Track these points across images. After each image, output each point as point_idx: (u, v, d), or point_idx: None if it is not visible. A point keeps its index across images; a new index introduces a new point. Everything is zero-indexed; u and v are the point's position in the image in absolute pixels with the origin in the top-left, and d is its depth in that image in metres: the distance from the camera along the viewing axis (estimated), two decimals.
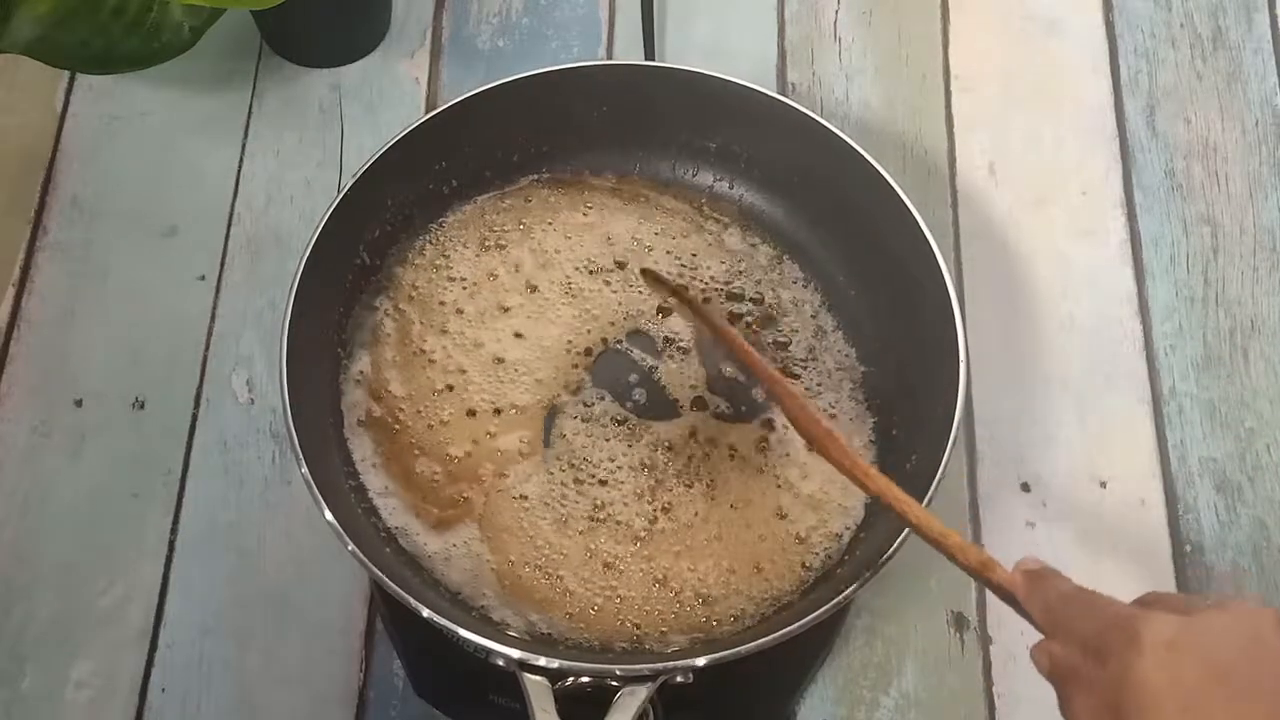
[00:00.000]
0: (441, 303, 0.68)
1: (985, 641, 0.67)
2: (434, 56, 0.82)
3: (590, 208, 0.71)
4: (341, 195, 0.64)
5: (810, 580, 0.61)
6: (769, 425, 0.65)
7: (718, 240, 0.71)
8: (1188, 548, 0.69)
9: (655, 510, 0.62)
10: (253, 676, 0.65)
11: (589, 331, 0.67)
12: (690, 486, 0.63)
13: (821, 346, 0.67)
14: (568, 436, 0.64)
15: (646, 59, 0.78)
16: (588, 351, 0.67)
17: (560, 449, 0.64)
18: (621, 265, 0.69)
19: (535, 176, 0.72)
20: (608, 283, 0.69)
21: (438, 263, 0.69)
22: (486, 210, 0.70)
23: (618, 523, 0.62)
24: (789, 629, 0.55)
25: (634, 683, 0.54)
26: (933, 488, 0.57)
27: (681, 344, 0.67)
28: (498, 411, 0.65)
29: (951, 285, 0.62)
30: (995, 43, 0.84)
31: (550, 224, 0.70)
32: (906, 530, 0.56)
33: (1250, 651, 0.41)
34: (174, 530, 0.68)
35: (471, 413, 0.64)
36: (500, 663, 0.54)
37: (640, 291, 0.68)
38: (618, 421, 0.65)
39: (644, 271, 0.67)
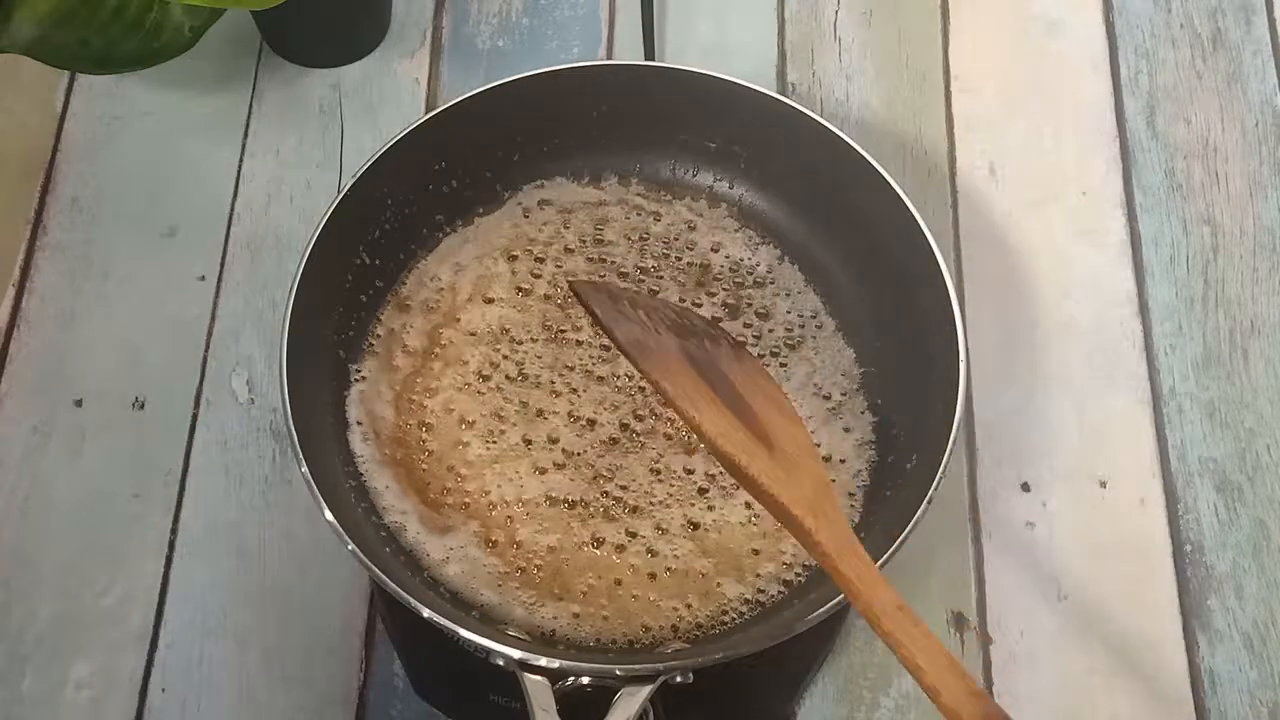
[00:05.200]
0: (442, 304, 0.68)
1: (985, 641, 0.67)
2: (434, 56, 0.82)
3: (591, 210, 0.71)
4: (341, 195, 0.64)
5: (808, 580, 0.61)
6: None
7: None
8: (1188, 548, 0.69)
9: (656, 511, 0.62)
10: (253, 676, 0.65)
11: (592, 334, 0.67)
12: (691, 487, 0.63)
13: (821, 347, 0.67)
14: (569, 438, 0.64)
15: (646, 59, 0.78)
16: (590, 353, 0.67)
17: (561, 450, 0.64)
18: (623, 269, 0.69)
19: (535, 178, 0.71)
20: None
21: (438, 264, 0.69)
22: (487, 212, 0.70)
23: (618, 524, 0.62)
24: (789, 629, 0.55)
25: (634, 683, 0.54)
26: (933, 488, 0.57)
27: None
28: (499, 413, 0.65)
29: (951, 285, 0.62)
30: (995, 43, 0.84)
31: (552, 226, 0.70)
32: (908, 529, 0.56)
33: None
34: (174, 530, 0.68)
35: (472, 413, 0.64)
36: (500, 663, 0.54)
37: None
38: (620, 424, 0.65)
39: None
